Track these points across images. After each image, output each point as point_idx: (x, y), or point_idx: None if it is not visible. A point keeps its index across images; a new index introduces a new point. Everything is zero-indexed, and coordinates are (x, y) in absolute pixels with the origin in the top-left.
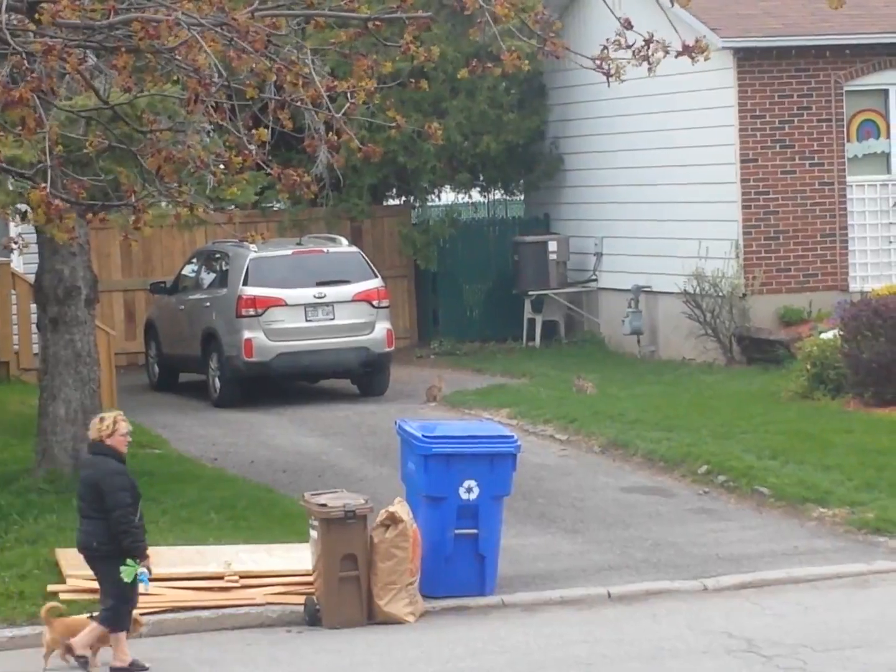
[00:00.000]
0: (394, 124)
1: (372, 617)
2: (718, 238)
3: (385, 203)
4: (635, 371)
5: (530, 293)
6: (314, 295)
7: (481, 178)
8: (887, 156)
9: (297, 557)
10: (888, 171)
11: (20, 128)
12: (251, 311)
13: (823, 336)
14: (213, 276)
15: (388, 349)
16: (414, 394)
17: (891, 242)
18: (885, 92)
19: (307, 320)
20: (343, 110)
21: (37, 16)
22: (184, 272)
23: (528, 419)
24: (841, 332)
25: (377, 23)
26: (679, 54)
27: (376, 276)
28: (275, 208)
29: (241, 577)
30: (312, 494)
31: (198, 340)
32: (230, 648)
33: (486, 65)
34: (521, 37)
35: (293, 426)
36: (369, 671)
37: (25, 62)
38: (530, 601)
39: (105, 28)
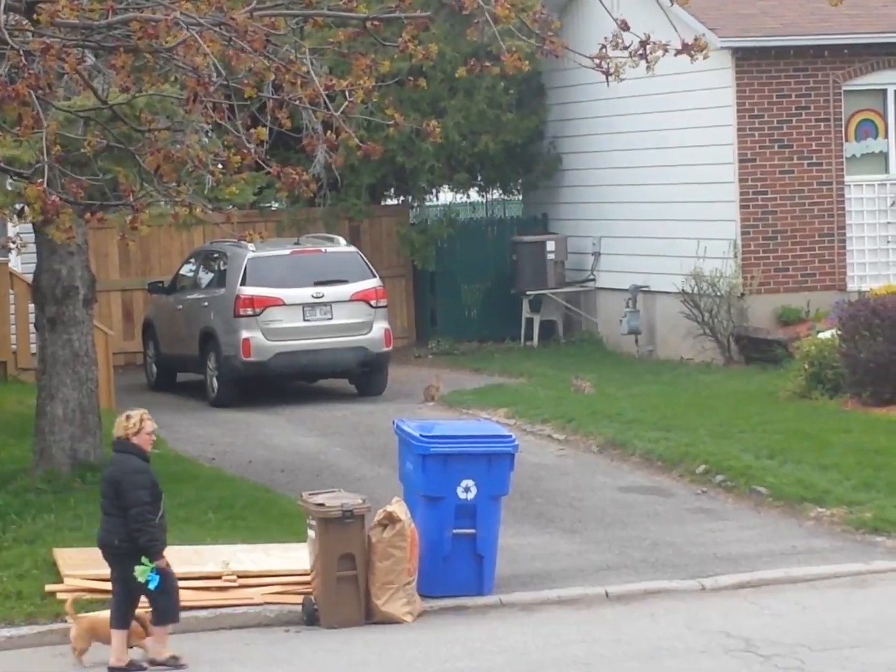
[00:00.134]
0: (392, 122)
1: (370, 617)
2: (716, 238)
3: (383, 203)
4: (633, 371)
5: (528, 293)
6: (312, 295)
7: (479, 177)
8: (885, 155)
9: (295, 557)
10: (886, 170)
11: (17, 126)
12: (249, 311)
13: (821, 336)
14: (211, 275)
15: (385, 349)
16: (412, 393)
17: (889, 242)
18: (884, 92)
19: (305, 320)
20: (342, 109)
21: (35, 16)
22: (182, 272)
23: (526, 419)
24: (839, 332)
25: (375, 23)
26: (678, 52)
27: (374, 276)
28: (273, 208)
29: (239, 577)
30: (310, 494)
31: (196, 340)
32: (228, 648)
33: (484, 64)
34: (520, 36)
35: (291, 426)
36: (367, 671)
37: (24, 61)
38: (528, 601)
39: (103, 28)
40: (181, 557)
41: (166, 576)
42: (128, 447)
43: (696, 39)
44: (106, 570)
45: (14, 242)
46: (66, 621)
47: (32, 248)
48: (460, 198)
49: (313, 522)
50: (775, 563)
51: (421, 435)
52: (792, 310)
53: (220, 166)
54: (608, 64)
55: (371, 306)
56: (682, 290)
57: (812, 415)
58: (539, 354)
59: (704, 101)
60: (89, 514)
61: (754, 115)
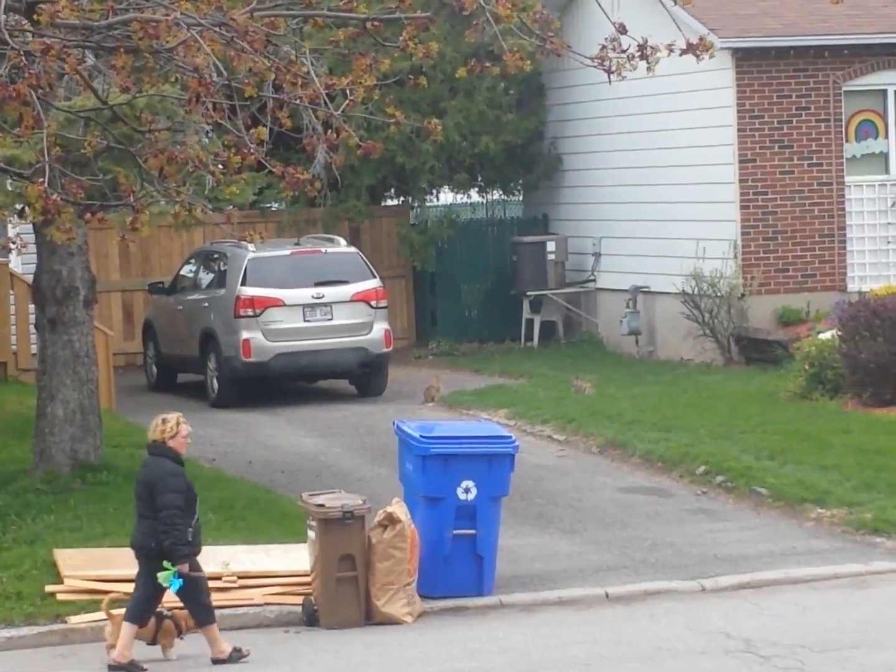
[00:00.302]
0: (393, 120)
1: (370, 617)
2: (717, 238)
3: (383, 203)
4: (633, 371)
5: (528, 293)
6: (312, 295)
7: (480, 178)
8: (886, 156)
9: (295, 558)
10: (887, 171)
11: (18, 126)
12: (249, 312)
13: (822, 336)
14: (211, 276)
15: (386, 349)
16: (412, 394)
17: (889, 243)
18: (884, 92)
19: (305, 321)
20: (342, 108)
21: (35, 16)
22: (182, 272)
23: (526, 419)
24: (839, 333)
25: (376, 23)
26: (683, 52)
27: (374, 277)
28: (273, 209)
29: (239, 578)
30: (310, 495)
31: (196, 341)
32: None
33: (484, 65)
34: (521, 35)
35: (291, 426)
36: (367, 671)
37: (24, 61)
38: (528, 601)
39: (104, 28)
40: None
41: (193, 580)
42: (163, 450)
43: (701, 39)
44: (106, 571)
45: (14, 243)
46: (65, 622)
47: (33, 248)
48: (460, 198)
49: (313, 523)
50: (775, 563)
51: (421, 436)
52: (792, 310)
53: (220, 167)
54: (609, 62)
55: (371, 307)
56: (683, 290)
57: (812, 415)
58: (539, 355)
59: (705, 101)
60: (89, 514)
61: (754, 115)
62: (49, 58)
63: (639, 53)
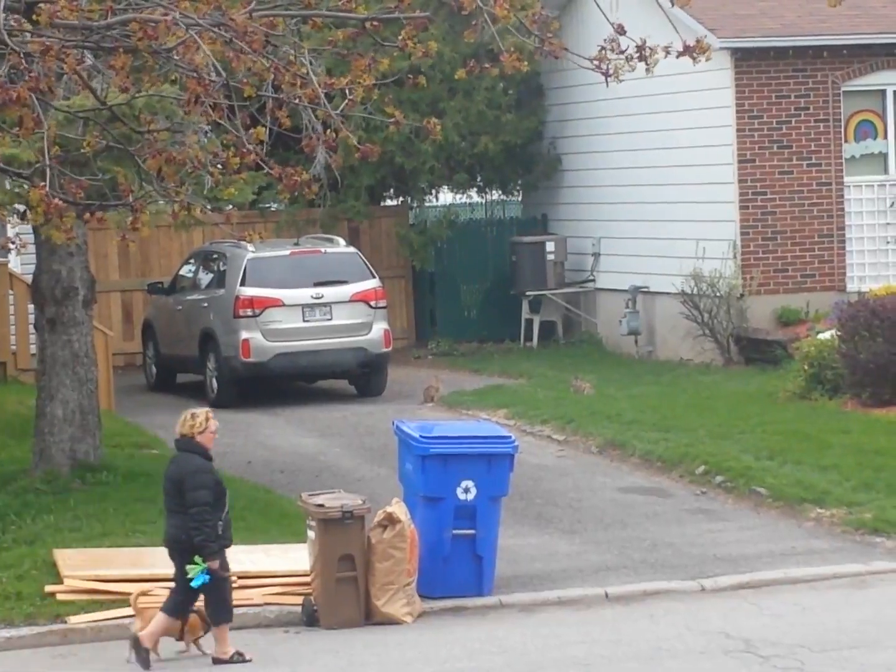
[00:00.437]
0: (392, 120)
1: (369, 617)
2: (716, 238)
3: (383, 204)
4: (633, 371)
5: (528, 293)
6: (312, 295)
7: (479, 178)
8: (885, 156)
9: (295, 558)
10: (886, 171)
11: (18, 128)
12: (249, 312)
13: (821, 336)
14: (210, 276)
15: (385, 349)
16: (411, 394)
17: (888, 243)
18: (883, 92)
19: (305, 321)
20: (341, 108)
21: (34, 16)
22: (181, 273)
23: (525, 420)
24: (838, 333)
25: (375, 23)
26: (680, 54)
27: (374, 277)
28: (272, 209)
29: (239, 578)
30: (310, 495)
31: (195, 341)
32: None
33: (483, 65)
34: (518, 35)
35: (291, 426)
36: None
37: (24, 62)
38: (528, 602)
39: (103, 28)
40: None
41: (218, 577)
42: (191, 446)
43: (697, 41)
44: (105, 571)
45: (13, 243)
46: (65, 622)
47: (32, 248)
48: (460, 198)
49: (313, 523)
50: (775, 563)
51: (420, 436)
52: (791, 310)
53: (219, 167)
54: (607, 64)
55: (370, 307)
56: (682, 290)
57: (811, 415)
58: (538, 355)
59: (704, 101)
60: (89, 514)
61: (753, 115)
62: (48, 58)
63: (637, 55)
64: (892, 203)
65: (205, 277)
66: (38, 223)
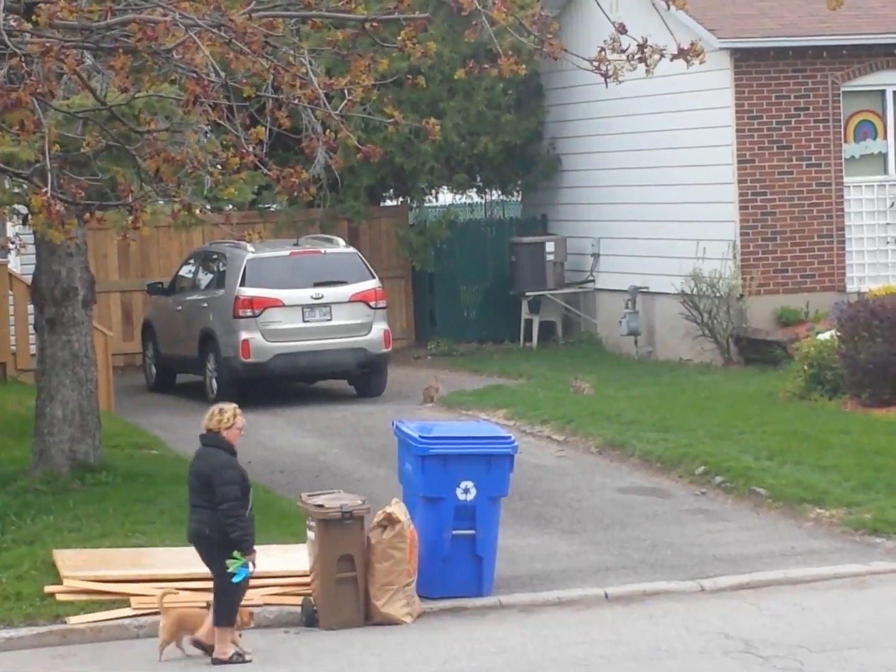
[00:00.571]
0: (392, 120)
1: (369, 618)
2: (715, 239)
3: (382, 204)
4: (632, 372)
5: (527, 294)
6: (311, 296)
7: (479, 178)
8: (884, 156)
9: (295, 558)
10: (885, 171)
11: (18, 130)
12: (248, 312)
13: (820, 337)
14: (210, 276)
15: (385, 350)
16: (411, 394)
17: (888, 243)
18: (882, 93)
19: (304, 321)
20: (340, 108)
21: (34, 17)
22: (181, 273)
23: (525, 420)
24: (838, 333)
25: (374, 24)
26: (674, 57)
27: (373, 277)
28: (271, 209)
29: None
30: (309, 495)
31: (195, 341)
32: None
33: (483, 66)
34: (517, 36)
35: (290, 427)
36: None
37: (24, 64)
38: (527, 602)
39: (102, 29)
40: (181, 559)
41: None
42: (218, 441)
43: (692, 44)
44: (105, 572)
45: (13, 243)
46: (64, 622)
47: (31, 248)
48: (459, 199)
49: (312, 523)
50: (774, 564)
51: (420, 436)
52: (791, 311)
53: (218, 167)
54: (606, 66)
55: (370, 307)
56: (682, 291)
57: (811, 416)
58: (538, 355)
59: (703, 102)
60: (88, 515)
61: (753, 115)
62: (48, 59)
63: (638, 55)
64: (892, 203)
65: (204, 278)
66: (39, 228)
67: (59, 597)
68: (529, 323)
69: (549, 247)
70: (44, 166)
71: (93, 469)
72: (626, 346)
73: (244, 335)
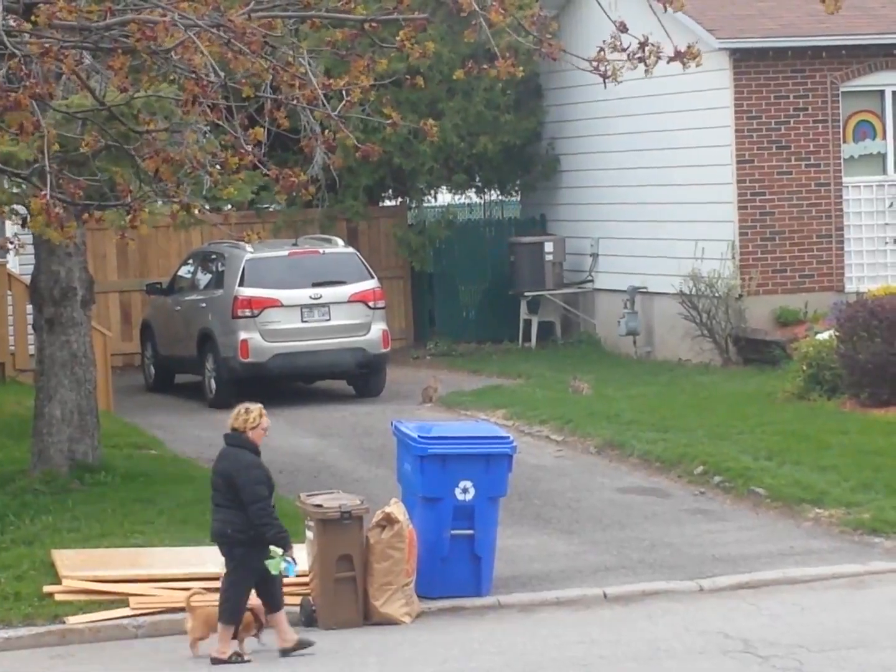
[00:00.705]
0: (389, 121)
1: (368, 618)
2: (714, 239)
3: (381, 204)
4: (631, 372)
5: (526, 294)
6: (310, 296)
7: (478, 179)
8: (883, 157)
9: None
10: (884, 171)
11: (17, 131)
12: (247, 312)
13: (819, 337)
14: (209, 276)
15: (384, 350)
16: (410, 395)
17: (887, 243)
18: (881, 93)
19: (303, 321)
20: (339, 108)
21: (33, 17)
22: (180, 273)
23: (524, 420)
24: (837, 333)
25: (373, 24)
26: (671, 60)
27: (372, 277)
28: (270, 209)
29: None
30: (308, 495)
31: (194, 341)
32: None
33: (482, 66)
34: (515, 36)
35: (289, 427)
36: None
37: (23, 65)
38: (526, 602)
39: (101, 29)
40: (180, 559)
41: (243, 580)
42: (242, 441)
43: (689, 47)
44: (104, 572)
45: (12, 243)
46: (63, 622)
47: (30, 249)
48: (458, 199)
49: (311, 523)
50: (773, 564)
51: (419, 436)
52: (790, 311)
53: (217, 167)
54: (605, 66)
55: (369, 307)
56: (680, 291)
57: (810, 416)
58: (537, 355)
59: (702, 102)
60: (87, 515)
61: (752, 116)
62: (47, 59)
63: (638, 55)
64: (891, 203)
65: (203, 278)
66: (38, 230)
67: (58, 597)
68: (528, 323)
69: (548, 247)
70: (42, 166)
71: (91, 469)
72: (624, 346)
73: (243, 335)
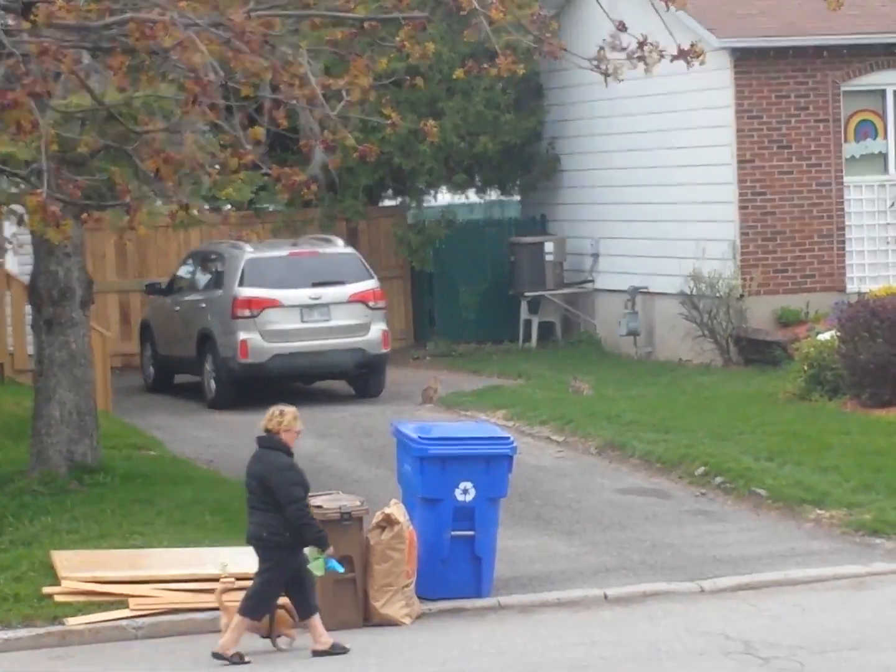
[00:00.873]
0: (389, 122)
1: (368, 619)
2: (715, 239)
3: (381, 204)
4: (632, 372)
5: (527, 294)
6: (310, 296)
7: (478, 178)
8: (885, 156)
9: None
10: (886, 171)
11: (15, 131)
12: (247, 313)
13: (820, 337)
14: (208, 276)
15: (383, 350)
16: (410, 395)
17: (888, 243)
18: (883, 92)
19: (303, 321)
20: (338, 108)
21: (32, 16)
22: (179, 273)
23: (524, 420)
24: (838, 334)
25: (373, 23)
26: (674, 58)
27: (372, 277)
28: (269, 209)
29: (237, 579)
30: (308, 496)
31: (193, 341)
32: None
33: (482, 65)
34: (515, 34)
35: None
36: None
37: (22, 65)
38: (527, 603)
39: (100, 28)
40: (180, 560)
41: (271, 576)
42: (276, 443)
43: (692, 45)
44: (103, 573)
45: (10, 243)
46: (63, 623)
47: (29, 249)
48: (458, 199)
49: None
50: (774, 564)
51: (419, 437)
52: (791, 311)
53: (217, 167)
54: (606, 64)
55: (369, 308)
56: (681, 291)
57: (811, 416)
58: (537, 356)
59: (703, 101)
60: (86, 516)
61: (753, 115)
62: (46, 59)
63: (638, 55)
64: (892, 203)
65: (203, 278)
66: (35, 229)
67: (57, 598)
68: (528, 323)
69: (549, 247)
70: (40, 166)
71: (90, 470)
72: (625, 347)
73: (242, 335)
